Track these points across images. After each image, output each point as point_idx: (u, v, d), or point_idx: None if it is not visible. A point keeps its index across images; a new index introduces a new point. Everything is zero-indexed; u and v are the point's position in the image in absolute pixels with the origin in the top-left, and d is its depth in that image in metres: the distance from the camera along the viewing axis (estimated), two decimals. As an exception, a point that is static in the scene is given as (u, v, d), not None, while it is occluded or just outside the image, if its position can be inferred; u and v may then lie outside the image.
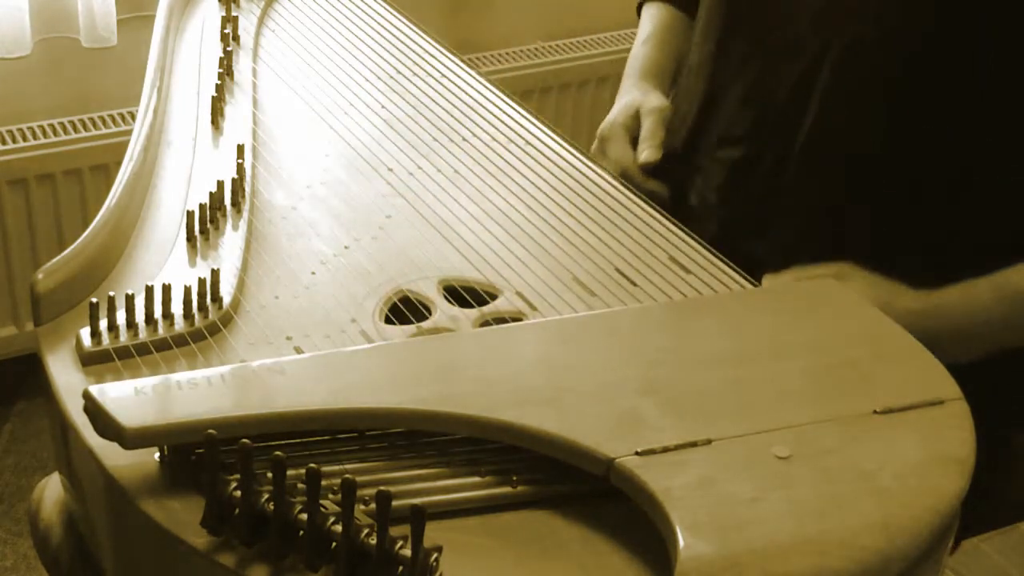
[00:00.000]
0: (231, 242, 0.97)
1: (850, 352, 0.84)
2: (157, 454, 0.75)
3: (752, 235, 1.10)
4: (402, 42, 1.34)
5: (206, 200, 0.99)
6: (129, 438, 0.72)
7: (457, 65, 1.29)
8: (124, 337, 0.85)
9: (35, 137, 2.00)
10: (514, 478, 0.75)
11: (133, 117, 1.98)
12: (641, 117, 1.21)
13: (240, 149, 1.06)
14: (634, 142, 1.18)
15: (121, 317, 0.86)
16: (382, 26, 1.37)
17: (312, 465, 0.68)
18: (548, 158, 1.13)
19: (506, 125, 1.18)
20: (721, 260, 0.98)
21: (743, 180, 1.12)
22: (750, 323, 0.88)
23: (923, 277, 1.05)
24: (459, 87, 1.25)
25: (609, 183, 1.10)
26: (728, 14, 1.14)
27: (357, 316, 0.90)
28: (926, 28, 0.99)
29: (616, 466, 0.73)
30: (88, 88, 2.06)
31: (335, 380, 0.80)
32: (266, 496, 0.69)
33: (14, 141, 1.99)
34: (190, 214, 0.97)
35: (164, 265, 0.94)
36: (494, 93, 1.23)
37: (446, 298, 0.93)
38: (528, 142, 1.16)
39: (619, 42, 2.43)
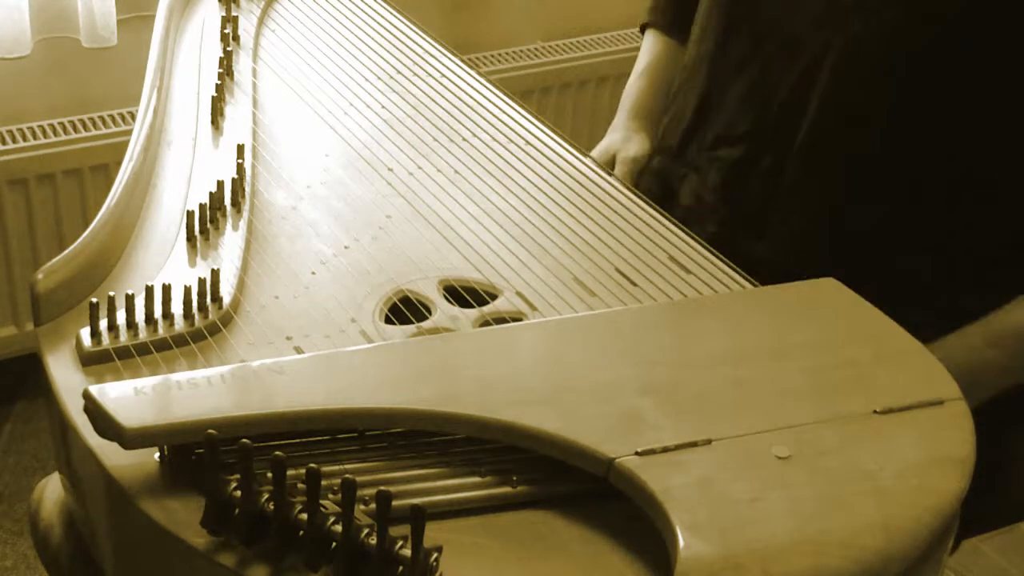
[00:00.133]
0: (231, 242, 0.97)
1: (850, 352, 0.84)
2: (157, 454, 0.75)
3: (752, 235, 1.10)
4: (402, 42, 1.34)
5: (206, 200, 0.99)
6: (129, 438, 0.72)
7: (457, 65, 1.29)
8: (124, 337, 0.85)
9: (35, 137, 2.00)
10: (514, 478, 0.75)
11: (133, 117, 1.98)
12: (616, 164, 1.23)
13: (240, 149, 1.06)
14: None
15: (121, 317, 0.86)
16: (382, 26, 1.37)
17: (312, 465, 0.68)
18: (548, 158, 1.13)
19: (506, 125, 1.18)
20: (721, 260, 0.98)
21: (742, 180, 1.12)
22: (750, 323, 0.88)
23: (923, 279, 1.05)
24: (459, 87, 1.25)
25: (609, 183, 1.10)
26: (728, 13, 1.14)
27: (357, 316, 0.90)
28: (925, 28, 0.99)
29: (616, 466, 0.73)
30: (88, 88, 2.06)
31: (335, 380, 0.80)
32: (266, 496, 0.69)
33: (14, 141, 1.99)
34: (190, 214, 0.97)
35: (164, 265, 0.94)
36: (494, 93, 1.23)
37: (446, 298, 0.93)
38: (528, 142, 1.16)
39: (619, 42, 2.43)
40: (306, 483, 0.67)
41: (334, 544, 0.67)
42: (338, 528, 0.67)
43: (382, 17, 1.39)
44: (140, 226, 0.99)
